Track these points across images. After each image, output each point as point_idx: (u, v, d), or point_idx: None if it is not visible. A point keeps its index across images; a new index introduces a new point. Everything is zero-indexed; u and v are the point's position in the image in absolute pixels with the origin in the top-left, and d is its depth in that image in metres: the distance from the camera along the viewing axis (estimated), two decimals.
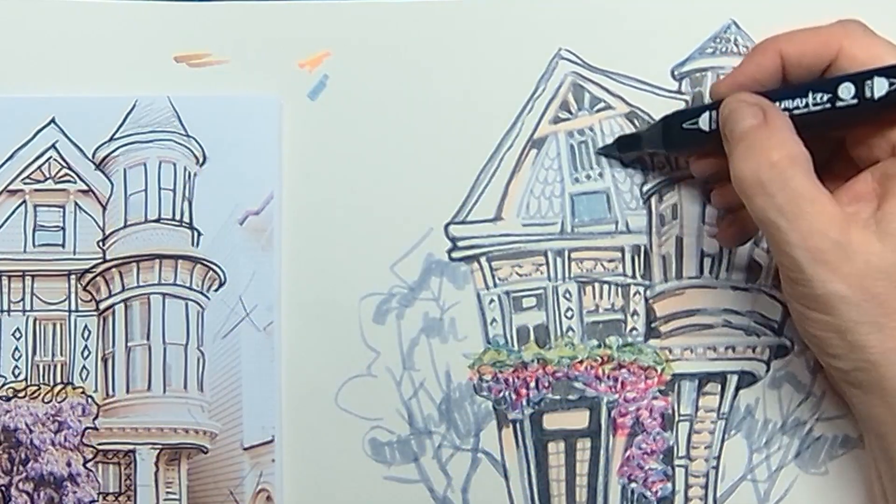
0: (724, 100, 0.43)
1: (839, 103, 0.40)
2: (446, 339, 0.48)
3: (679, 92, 0.48)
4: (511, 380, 0.48)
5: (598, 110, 0.49)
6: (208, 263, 0.48)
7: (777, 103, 0.42)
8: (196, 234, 0.49)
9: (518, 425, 0.48)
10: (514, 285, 0.48)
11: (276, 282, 0.48)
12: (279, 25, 0.49)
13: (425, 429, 0.48)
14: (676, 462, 0.48)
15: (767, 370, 0.48)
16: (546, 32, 0.50)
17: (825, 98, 0.40)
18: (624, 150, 0.48)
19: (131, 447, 0.48)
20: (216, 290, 0.48)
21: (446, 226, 0.49)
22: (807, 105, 0.41)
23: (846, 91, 0.40)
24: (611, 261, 0.48)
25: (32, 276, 0.48)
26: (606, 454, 0.48)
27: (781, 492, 0.48)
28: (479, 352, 0.48)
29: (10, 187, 0.48)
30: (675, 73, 0.49)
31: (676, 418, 0.48)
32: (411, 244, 0.49)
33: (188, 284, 0.48)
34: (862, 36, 0.42)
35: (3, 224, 0.48)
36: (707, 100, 0.48)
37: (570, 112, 0.49)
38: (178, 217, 0.49)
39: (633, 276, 0.49)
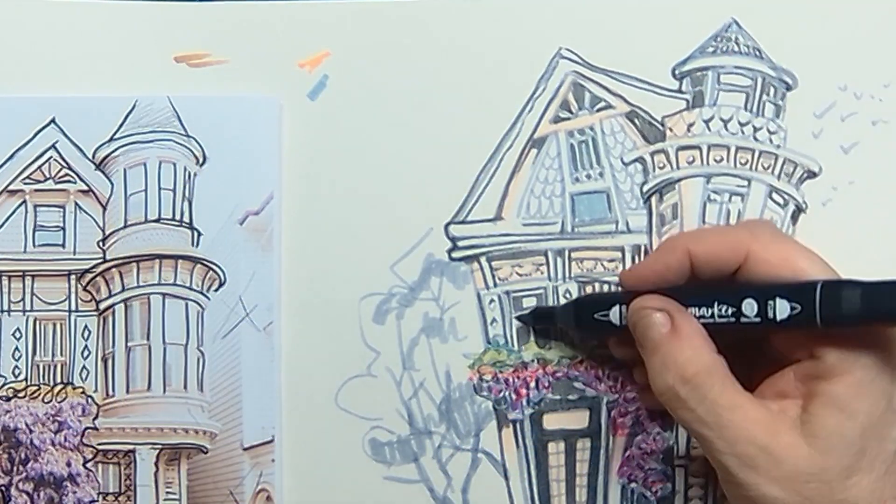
0: (632, 303, 0.43)
1: (743, 319, 0.40)
2: (446, 339, 0.48)
3: (680, 91, 0.49)
4: (511, 380, 0.48)
5: (599, 109, 0.49)
6: (208, 263, 0.48)
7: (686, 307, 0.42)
8: (196, 234, 0.49)
9: (518, 425, 0.48)
10: (515, 285, 0.48)
11: (276, 282, 0.48)
12: (279, 25, 0.49)
13: (425, 429, 0.48)
14: (676, 462, 0.48)
15: None
16: (546, 32, 0.50)
17: (730, 312, 0.40)
18: (538, 322, 0.49)
19: (131, 447, 0.48)
20: (216, 290, 0.48)
21: (446, 226, 0.49)
22: (713, 315, 0.41)
23: (749, 308, 0.40)
24: (611, 260, 0.49)
25: (33, 276, 0.49)
26: (606, 454, 0.48)
27: None
28: (479, 352, 0.48)
29: (11, 187, 0.48)
30: (676, 72, 0.49)
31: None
32: (411, 244, 0.49)
33: (188, 284, 0.48)
34: (770, 240, 0.42)
35: (3, 224, 0.48)
36: (707, 101, 0.49)
37: (571, 111, 0.49)
38: (177, 217, 0.49)
39: None
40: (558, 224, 0.49)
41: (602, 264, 0.48)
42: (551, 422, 0.48)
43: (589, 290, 0.48)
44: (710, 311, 0.41)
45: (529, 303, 0.48)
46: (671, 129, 0.49)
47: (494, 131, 0.49)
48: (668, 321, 0.42)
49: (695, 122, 0.49)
